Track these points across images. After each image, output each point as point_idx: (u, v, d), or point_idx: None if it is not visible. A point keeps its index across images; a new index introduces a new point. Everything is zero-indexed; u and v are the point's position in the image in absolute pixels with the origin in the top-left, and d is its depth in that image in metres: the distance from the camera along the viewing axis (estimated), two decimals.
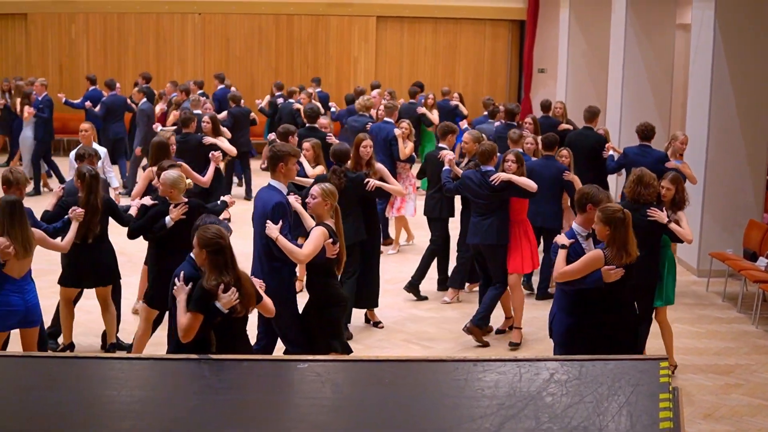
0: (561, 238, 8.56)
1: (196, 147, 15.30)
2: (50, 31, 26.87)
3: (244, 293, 7.33)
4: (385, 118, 16.48)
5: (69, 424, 5.51)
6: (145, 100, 20.78)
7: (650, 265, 9.90)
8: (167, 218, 9.97)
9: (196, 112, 17.83)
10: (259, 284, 7.98)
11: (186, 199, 10.12)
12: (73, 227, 9.97)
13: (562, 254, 8.35)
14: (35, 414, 5.67)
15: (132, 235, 10.27)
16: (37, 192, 19.96)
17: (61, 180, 19.94)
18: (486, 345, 11.49)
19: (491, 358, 6.55)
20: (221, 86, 23.31)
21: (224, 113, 19.83)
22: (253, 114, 20.43)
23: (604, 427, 5.24)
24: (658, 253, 10.20)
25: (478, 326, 11.51)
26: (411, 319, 12.39)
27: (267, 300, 7.86)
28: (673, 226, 10.04)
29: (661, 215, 9.88)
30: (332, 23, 26.89)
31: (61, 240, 9.93)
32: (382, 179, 11.79)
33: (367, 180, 11.53)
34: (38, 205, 10.82)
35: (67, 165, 15.15)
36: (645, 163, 12.02)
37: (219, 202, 10.97)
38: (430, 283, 13.43)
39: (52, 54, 26.95)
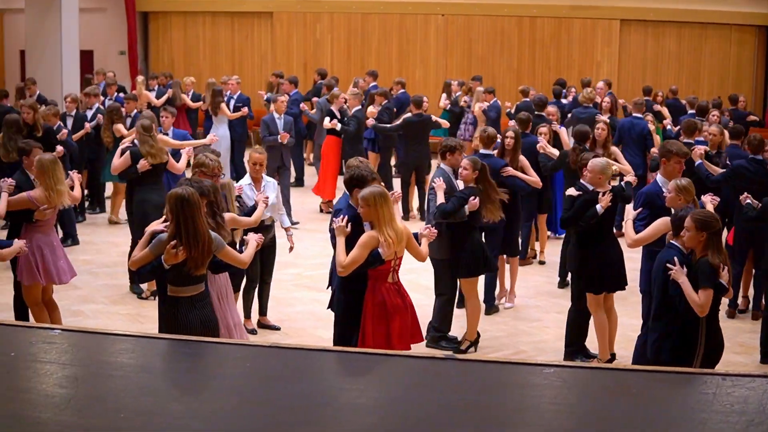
0: None
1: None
2: (295, 30, 27.56)
3: None
4: (635, 114, 17.39)
5: (311, 416, 5.61)
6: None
7: None
8: (598, 206, 10.41)
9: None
10: None
11: (611, 186, 10.63)
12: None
13: None
14: (279, 405, 5.79)
15: (564, 225, 10.99)
16: None
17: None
18: None
19: (740, 373, 6.42)
20: (374, 83, 22.68)
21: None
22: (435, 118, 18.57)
23: None
24: None
25: None
26: None
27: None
28: None
29: None
30: (575, 26, 26.67)
31: None
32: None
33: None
34: None
35: None
36: None
37: None
38: None
39: (297, 53, 27.61)
